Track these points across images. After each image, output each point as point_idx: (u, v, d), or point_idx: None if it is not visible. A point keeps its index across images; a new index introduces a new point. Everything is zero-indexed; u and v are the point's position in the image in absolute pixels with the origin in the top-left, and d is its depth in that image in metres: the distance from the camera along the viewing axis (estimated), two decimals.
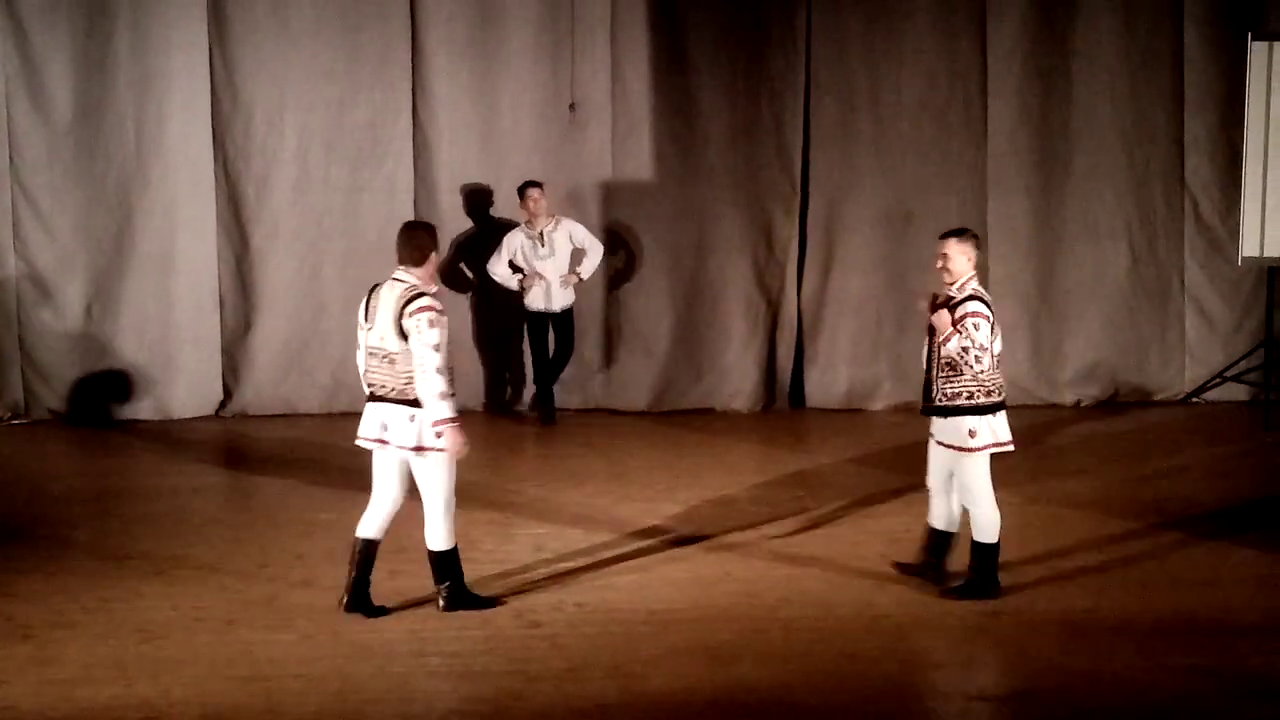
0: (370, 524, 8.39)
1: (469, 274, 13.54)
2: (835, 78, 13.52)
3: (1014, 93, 13.56)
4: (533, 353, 13.20)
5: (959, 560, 8.63)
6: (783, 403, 13.72)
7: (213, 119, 13.25)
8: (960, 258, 8.49)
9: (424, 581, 8.69)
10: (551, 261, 13.02)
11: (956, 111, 13.55)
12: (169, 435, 12.87)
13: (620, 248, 13.64)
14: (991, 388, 8.39)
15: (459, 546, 8.40)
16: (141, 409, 13.32)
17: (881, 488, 10.81)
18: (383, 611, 8.33)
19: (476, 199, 13.49)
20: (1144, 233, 13.71)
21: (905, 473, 11.30)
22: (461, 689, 7.41)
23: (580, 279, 13.14)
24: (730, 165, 13.54)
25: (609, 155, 13.56)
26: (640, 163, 13.56)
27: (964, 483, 8.48)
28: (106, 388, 13.27)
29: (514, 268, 13.06)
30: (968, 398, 8.36)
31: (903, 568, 8.80)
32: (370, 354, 8.29)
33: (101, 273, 13.24)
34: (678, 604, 8.50)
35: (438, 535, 8.31)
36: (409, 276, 8.15)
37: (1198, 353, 13.78)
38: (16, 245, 13.13)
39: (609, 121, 13.51)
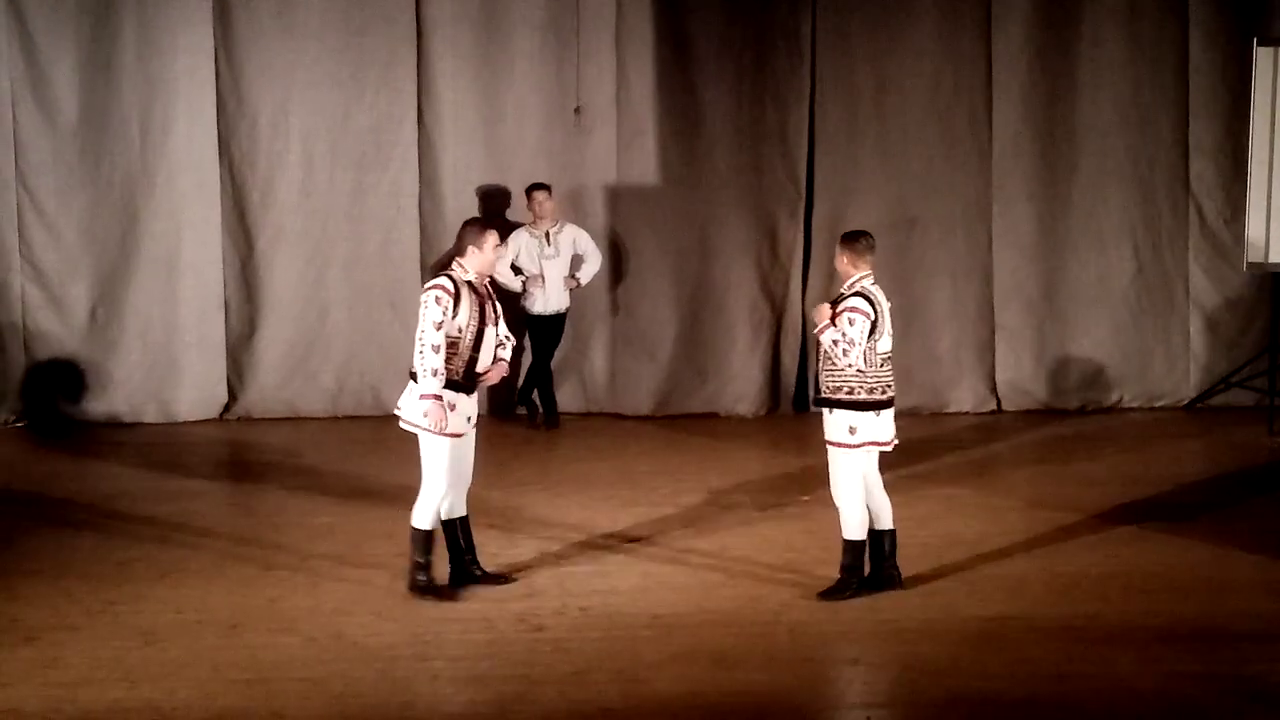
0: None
1: None
2: (840, 82, 13.52)
3: (1019, 98, 13.56)
4: (536, 356, 13.19)
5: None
6: (787, 407, 13.71)
7: (218, 123, 13.26)
8: (844, 260, 8.56)
9: None
10: (556, 262, 13.02)
11: (961, 116, 13.55)
12: (173, 438, 12.87)
13: (625, 251, 13.64)
14: (874, 385, 8.48)
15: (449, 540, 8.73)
16: (146, 412, 13.32)
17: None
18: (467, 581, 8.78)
19: (492, 200, 13.48)
20: (1149, 238, 13.70)
21: (909, 477, 11.30)
22: (465, 693, 7.41)
23: (579, 284, 13.14)
24: (735, 169, 13.54)
25: (614, 159, 13.56)
26: (645, 166, 13.56)
27: (835, 478, 8.56)
28: (111, 390, 13.28)
29: (515, 270, 13.06)
30: (847, 392, 8.44)
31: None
32: None
33: (106, 276, 13.25)
34: (681, 608, 8.50)
35: (417, 512, 8.64)
36: (456, 265, 8.70)
37: (1202, 358, 13.77)
38: (22, 248, 13.15)
39: (614, 125, 13.51)
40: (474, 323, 8.57)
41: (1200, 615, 8.38)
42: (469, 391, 8.64)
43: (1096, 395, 13.75)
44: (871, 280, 8.54)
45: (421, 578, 8.64)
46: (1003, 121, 13.58)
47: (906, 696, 7.35)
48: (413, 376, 8.59)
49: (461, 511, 8.84)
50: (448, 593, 8.68)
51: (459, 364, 8.54)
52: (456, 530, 8.83)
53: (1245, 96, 12.85)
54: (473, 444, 8.81)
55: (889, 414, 8.55)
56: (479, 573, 8.88)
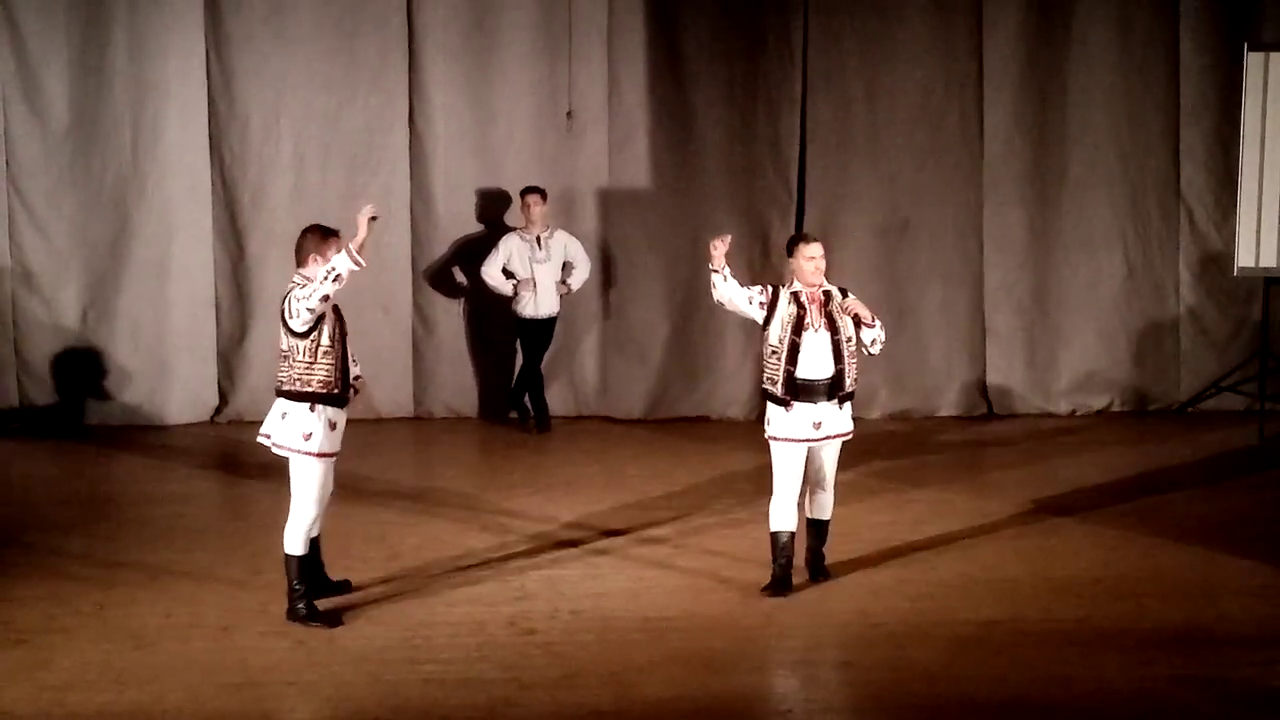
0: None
1: (464, 280, 13.54)
2: (831, 86, 13.53)
3: (1010, 102, 13.57)
4: (526, 360, 13.19)
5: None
6: None
7: (209, 125, 13.25)
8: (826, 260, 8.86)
9: (417, 585, 8.70)
10: (547, 266, 13.02)
11: (952, 120, 13.56)
12: (164, 441, 12.85)
13: (616, 255, 13.64)
14: None
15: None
16: (136, 414, 13.30)
17: (875, 497, 10.82)
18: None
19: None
20: (1139, 243, 13.72)
21: (899, 482, 11.32)
22: (455, 696, 7.40)
23: (569, 290, 13.14)
24: (726, 173, 13.54)
25: (605, 163, 13.56)
26: (636, 170, 13.56)
27: (835, 468, 8.86)
28: (101, 393, 13.27)
29: (506, 274, 13.05)
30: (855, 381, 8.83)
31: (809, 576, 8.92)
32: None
33: (97, 278, 13.24)
34: (672, 611, 8.51)
35: (288, 537, 8.34)
36: (298, 277, 8.41)
37: (1193, 363, 13.78)
38: (12, 250, 13.13)
39: (605, 129, 13.51)
40: (339, 332, 8.34)
41: (1190, 619, 8.39)
42: (346, 405, 8.35)
43: (1087, 399, 13.76)
44: None
45: (300, 605, 8.29)
46: (994, 126, 13.59)
47: (896, 700, 7.36)
48: (281, 394, 8.28)
49: (318, 530, 8.55)
50: (329, 618, 8.30)
51: (338, 375, 8.26)
52: (316, 547, 8.55)
53: (1236, 101, 12.85)
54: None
55: None
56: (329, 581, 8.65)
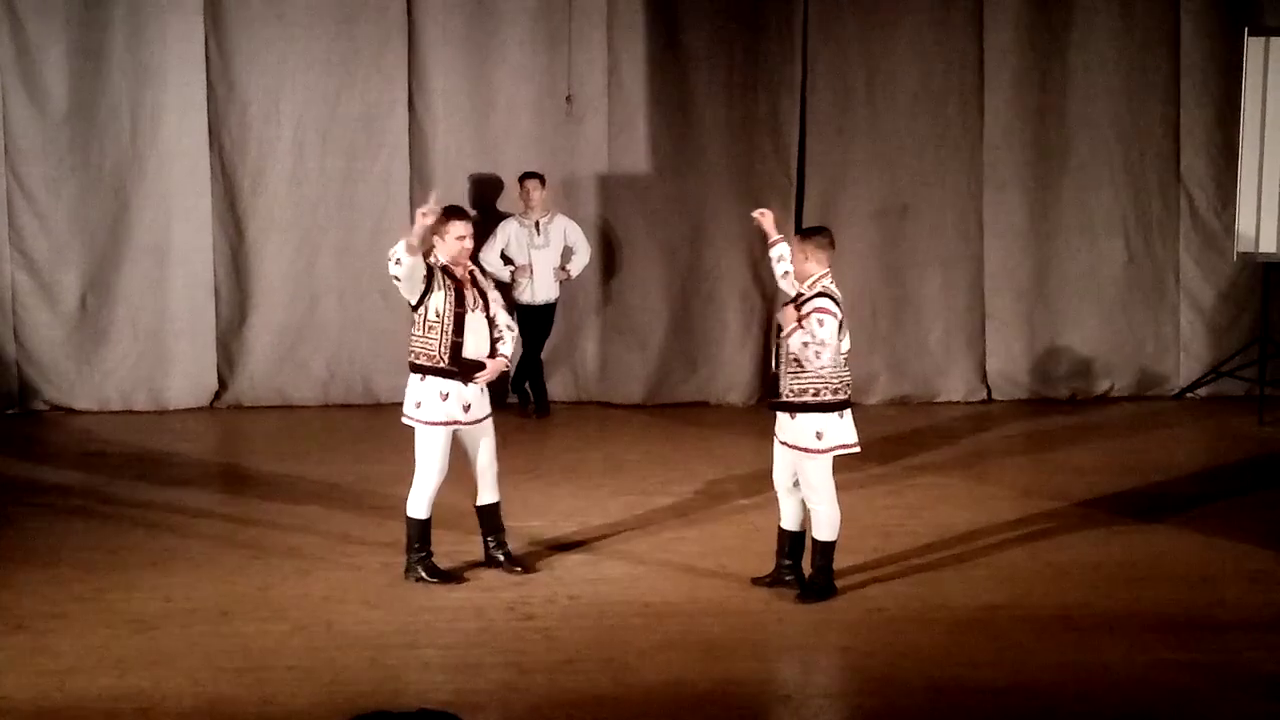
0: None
1: None
2: (832, 70, 13.51)
3: (1010, 87, 13.55)
4: (526, 346, 13.17)
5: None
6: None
7: (208, 110, 13.22)
8: (803, 256, 8.37)
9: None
10: (546, 252, 13.00)
11: (953, 105, 13.55)
12: (164, 426, 12.85)
13: (616, 240, 13.64)
14: (838, 385, 8.33)
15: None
16: (136, 400, 13.29)
17: (876, 482, 10.82)
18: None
19: (484, 189, 13.46)
20: (1139, 228, 13.71)
21: (900, 467, 11.33)
22: (455, 681, 7.41)
23: (569, 276, 13.13)
24: (726, 158, 13.53)
25: (605, 148, 13.54)
26: (636, 155, 13.55)
27: (810, 482, 8.38)
28: (101, 378, 13.25)
29: (504, 259, 13.03)
30: (813, 395, 8.27)
31: (759, 581, 8.66)
32: None
33: (97, 263, 13.22)
34: (671, 597, 8.51)
35: (409, 501, 8.74)
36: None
37: (1192, 348, 13.79)
38: (11, 236, 13.11)
39: (605, 114, 13.49)
40: (450, 306, 8.56)
41: (1189, 604, 8.40)
42: (462, 380, 8.58)
43: (1087, 385, 13.75)
44: (830, 278, 8.39)
45: (419, 567, 8.71)
46: (994, 110, 13.57)
47: (895, 684, 7.36)
48: (411, 368, 8.63)
49: (484, 499, 8.90)
50: (449, 576, 8.73)
51: (443, 348, 8.53)
52: (480, 516, 8.93)
53: (1236, 86, 12.84)
54: (485, 434, 8.78)
55: (849, 414, 8.45)
56: (501, 557, 8.92)
